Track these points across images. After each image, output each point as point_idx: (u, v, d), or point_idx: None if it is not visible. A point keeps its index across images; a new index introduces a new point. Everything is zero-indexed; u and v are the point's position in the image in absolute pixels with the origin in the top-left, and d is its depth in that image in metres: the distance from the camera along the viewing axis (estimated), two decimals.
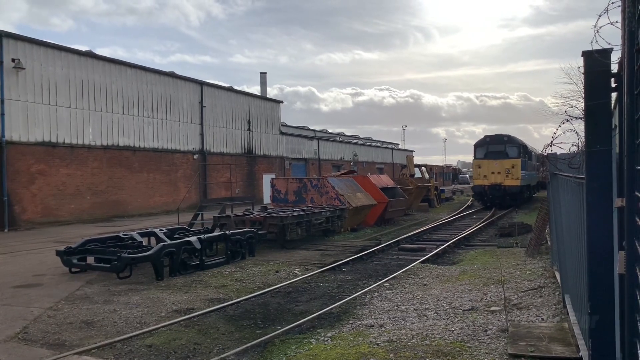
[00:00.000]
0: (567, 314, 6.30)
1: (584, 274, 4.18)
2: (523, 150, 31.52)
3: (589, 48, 3.50)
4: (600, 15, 3.24)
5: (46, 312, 8.14)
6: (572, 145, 5.79)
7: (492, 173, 30.75)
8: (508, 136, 31.71)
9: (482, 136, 33.21)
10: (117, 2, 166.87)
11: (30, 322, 7.59)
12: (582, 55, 3.55)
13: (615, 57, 3.34)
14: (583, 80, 3.71)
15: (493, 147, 31.45)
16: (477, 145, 32.36)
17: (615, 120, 3.45)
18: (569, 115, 4.89)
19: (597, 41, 3.37)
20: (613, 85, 3.43)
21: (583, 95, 3.77)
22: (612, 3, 3.04)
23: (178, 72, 30.96)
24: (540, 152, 15.61)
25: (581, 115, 4.45)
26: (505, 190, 30.22)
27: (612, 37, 3.30)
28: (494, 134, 32.42)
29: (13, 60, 20.90)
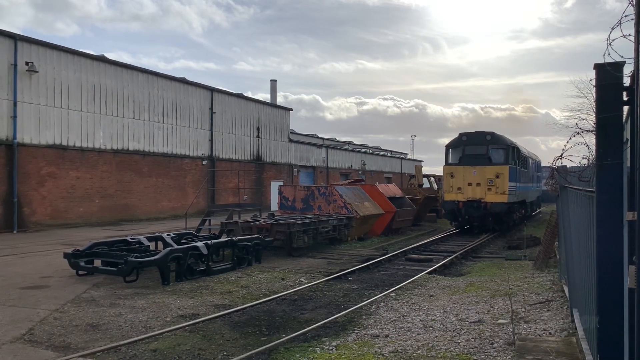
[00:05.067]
0: (575, 328, 6.22)
1: (593, 288, 4.14)
2: (513, 153, 22.93)
3: (598, 61, 3.49)
4: (613, 28, 3.23)
5: (52, 314, 8.17)
6: (583, 158, 5.75)
7: (469, 185, 22.10)
8: (492, 134, 22.57)
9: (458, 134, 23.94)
10: (121, 8, 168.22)
11: (36, 323, 7.62)
12: (594, 68, 3.53)
13: (628, 70, 3.32)
14: (594, 93, 3.69)
15: (471, 148, 22.54)
16: (450, 147, 23.40)
17: (627, 134, 3.43)
18: (580, 128, 4.86)
19: (609, 54, 3.36)
20: (625, 98, 3.41)
21: (594, 108, 3.76)
22: (626, 16, 3.03)
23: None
24: (544, 161, 14.93)
25: (592, 128, 4.43)
26: (487, 209, 21.78)
27: (624, 50, 3.29)
28: (473, 131, 23.28)
29: (27, 63, 21.14)
